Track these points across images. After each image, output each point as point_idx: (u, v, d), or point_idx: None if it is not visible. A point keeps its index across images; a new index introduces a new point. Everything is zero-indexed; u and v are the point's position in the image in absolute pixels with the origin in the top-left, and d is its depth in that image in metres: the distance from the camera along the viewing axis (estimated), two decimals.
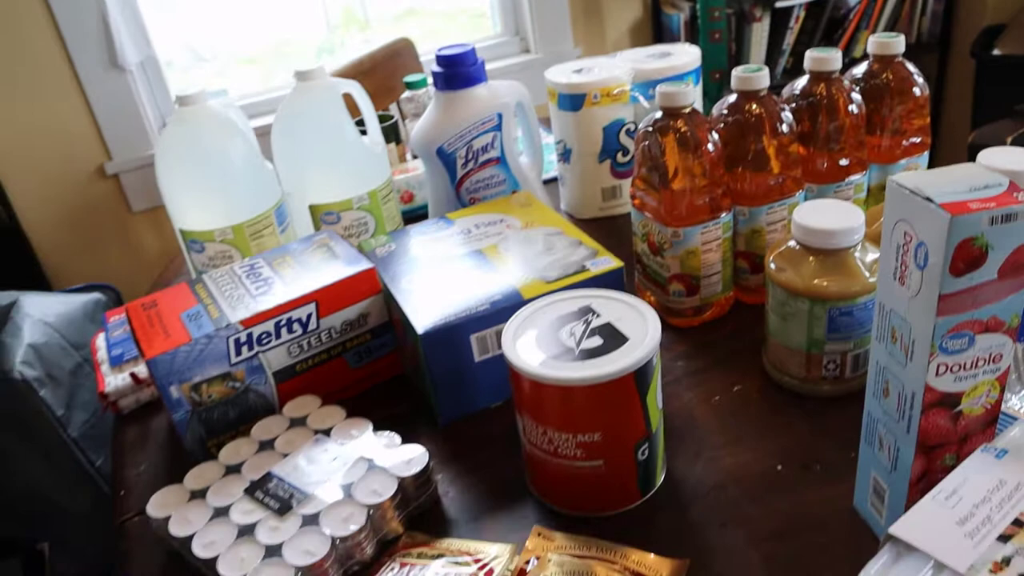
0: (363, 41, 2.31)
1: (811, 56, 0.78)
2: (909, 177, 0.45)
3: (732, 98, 0.76)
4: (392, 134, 1.16)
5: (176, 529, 0.59)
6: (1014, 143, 1.29)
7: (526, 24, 2.28)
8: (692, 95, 0.71)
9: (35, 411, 0.94)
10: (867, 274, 0.63)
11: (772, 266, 0.66)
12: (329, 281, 0.72)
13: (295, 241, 0.80)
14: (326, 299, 0.71)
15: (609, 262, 0.71)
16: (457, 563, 0.55)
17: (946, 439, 0.48)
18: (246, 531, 0.58)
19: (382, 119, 1.13)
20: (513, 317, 0.60)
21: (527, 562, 0.54)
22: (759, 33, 2.31)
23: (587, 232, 0.76)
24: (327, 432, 0.66)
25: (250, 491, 0.61)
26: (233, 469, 0.64)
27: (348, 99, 0.92)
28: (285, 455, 0.64)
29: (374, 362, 0.76)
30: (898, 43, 0.80)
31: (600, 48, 2.38)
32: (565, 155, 0.99)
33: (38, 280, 1.79)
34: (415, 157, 1.16)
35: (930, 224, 0.43)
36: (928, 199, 0.43)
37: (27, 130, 1.84)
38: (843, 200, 0.74)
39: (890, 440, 0.51)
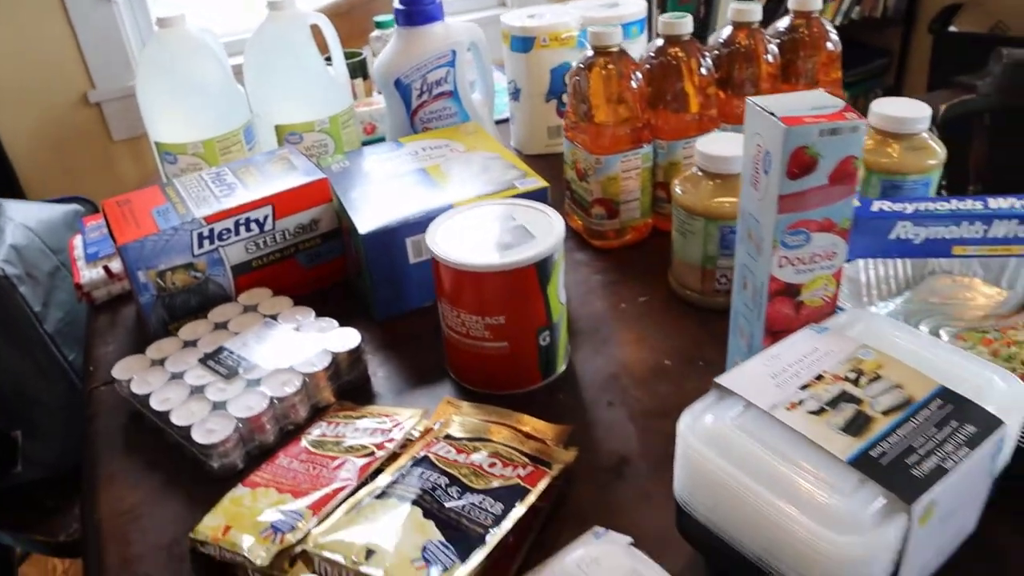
0: None
1: (733, 7, 0.86)
2: (764, 99, 0.54)
3: (659, 42, 0.84)
4: (360, 70, 1.23)
5: (137, 388, 0.68)
6: (947, 110, 1.38)
7: None
8: (618, 36, 0.79)
9: (14, 307, 1.02)
10: None
11: (677, 190, 0.75)
12: (285, 187, 0.80)
13: (259, 154, 0.88)
14: (281, 203, 0.79)
15: (536, 182, 0.79)
16: (376, 423, 0.64)
17: (789, 325, 0.57)
18: (197, 391, 0.67)
19: (351, 55, 1.20)
20: (441, 216, 0.68)
21: (435, 423, 0.63)
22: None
23: (532, 166, 0.83)
24: (275, 317, 0.75)
25: (203, 360, 0.70)
26: (190, 344, 0.73)
27: (319, 35, 0.99)
28: (236, 334, 0.73)
29: (323, 265, 0.84)
30: (815, 0, 0.88)
31: None
32: (515, 94, 1.07)
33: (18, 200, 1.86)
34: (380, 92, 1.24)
35: (773, 134, 0.51)
36: (772, 114, 0.51)
37: (13, 56, 1.89)
38: None
39: (747, 328, 0.60)
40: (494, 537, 0.50)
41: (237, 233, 0.78)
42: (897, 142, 0.78)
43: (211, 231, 0.77)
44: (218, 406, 0.65)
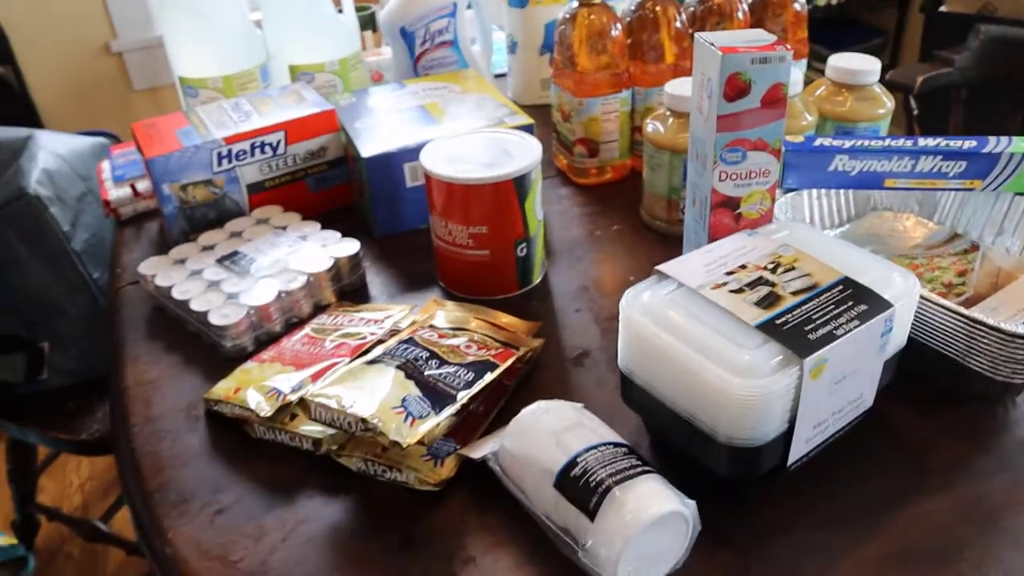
0: None
1: None
2: (709, 34, 0.62)
3: None
4: (371, 22, 1.32)
5: (160, 282, 0.77)
6: (923, 83, 1.45)
7: None
8: None
9: (45, 225, 1.11)
10: None
11: (648, 127, 0.83)
12: (296, 116, 0.89)
13: (273, 88, 0.97)
14: (293, 129, 0.88)
15: (523, 119, 0.88)
16: (371, 315, 0.73)
17: (729, 235, 0.66)
18: (214, 285, 0.76)
19: (362, 9, 1.29)
20: (435, 139, 0.77)
21: (422, 316, 0.72)
22: None
23: (526, 114, 0.91)
24: (284, 228, 0.84)
25: (220, 261, 0.79)
26: (208, 248, 0.82)
27: None
28: (250, 240, 0.82)
29: (329, 189, 0.93)
30: None
31: None
32: (512, 47, 1.15)
33: None
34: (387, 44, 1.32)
35: (713, 63, 0.60)
36: (712, 44, 0.60)
37: (39, 5, 1.97)
38: None
39: (695, 238, 0.69)
40: (464, 396, 0.59)
41: (252, 155, 0.87)
42: (850, 92, 0.86)
43: (229, 151, 0.86)
44: (232, 297, 0.74)
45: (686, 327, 0.53)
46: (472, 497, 0.57)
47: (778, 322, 0.52)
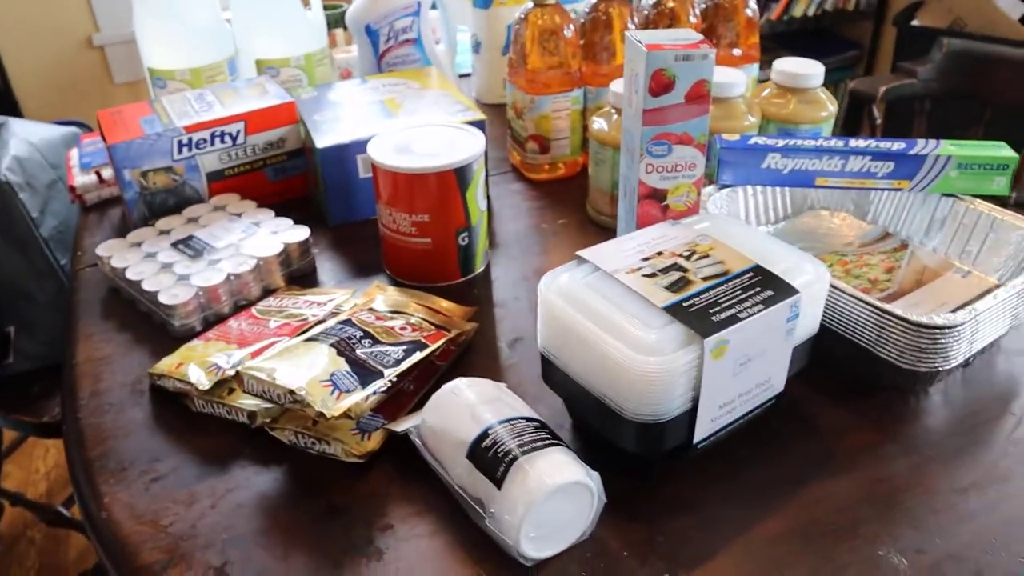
0: None
1: None
2: (639, 32, 0.65)
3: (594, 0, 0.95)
4: (341, 21, 1.34)
5: (116, 263, 0.79)
6: (886, 92, 1.49)
7: None
8: None
9: (14, 211, 1.13)
10: None
11: (593, 124, 0.86)
12: (257, 107, 0.91)
13: (238, 80, 0.99)
14: (253, 120, 0.91)
15: (475, 115, 0.90)
16: (314, 298, 0.75)
17: None
18: (167, 267, 0.78)
19: (333, 7, 1.32)
20: (382, 132, 0.80)
21: (364, 300, 0.74)
22: None
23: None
24: (239, 215, 0.86)
25: (175, 244, 0.81)
26: (165, 232, 0.84)
27: None
28: (205, 226, 0.84)
29: (287, 179, 0.96)
30: None
31: None
32: (476, 47, 1.18)
33: None
34: None
35: (640, 59, 0.62)
36: (640, 42, 0.62)
37: None
38: None
39: (625, 229, 0.71)
40: (391, 373, 0.62)
41: (212, 144, 0.90)
42: (793, 95, 0.89)
43: (190, 139, 0.88)
44: (183, 278, 0.76)
45: (598, 308, 0.55)
46: (396, 469, 0.60)
47: (685, 304, 0.54)
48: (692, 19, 0.96)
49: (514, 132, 0.98)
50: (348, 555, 0.53)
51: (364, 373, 0.61)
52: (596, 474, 0.53)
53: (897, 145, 0.75)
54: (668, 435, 0.55)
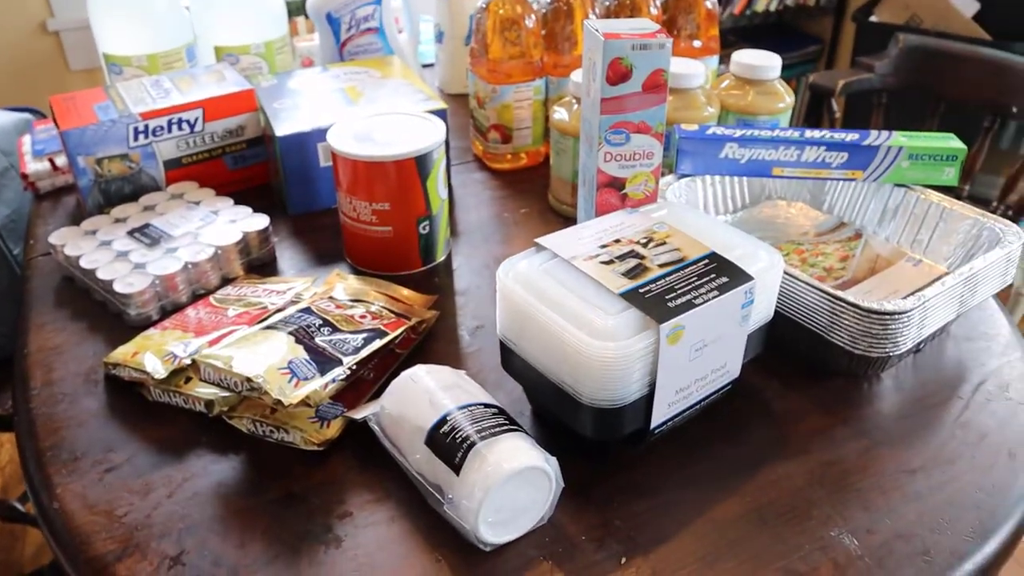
0: None
1: None
2: (598, 22, 0.65)
3: None
4: (303, 9, 1.33)
5: (69, 252, 0.78)
6: (844, 87, 1.51)
7: None
8: None
9: None
10: None
11: (554, 114, 0.86)
12: (215, 94, 0.90)
13: (196, 67, 0.98)
14: (211, 107, 0.90)
15: (436, 104, 0.90)
16: (274, 287, 0.75)
17: None
18: (122, 255, 0.77)
19: None
20: (343, 120, 0.79)
21: (323, 288, 0.74)
22: None
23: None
24: (198, 203, 0.85)
25: (131, 232, 0.80)
26: (121, 220, 0.83)
27: None
28: (162, 214, 0.83)
29: (247, 168, 0.95)
30: None
31: None
32: (439, 37, 1.18)
33: None
34: None
35: (598, 48, 0.63)
36: (597, 31, 0.63)
37: None
38: None
39: (585, 217, 0.72)
40: (350, 361, 0.61)
41: (169, 131, 0.88)
42: (751, 87, 0.90)
43: (146, 126, 0.87)
44: (139, 266, 0.75)
45: (555, 295, 0.55)
46: (355, 457, 0.60)
47: (641, 291, 0.55)
48: (653, 11, 0.97)
49: (476, 122, 0.98)
50: (306, 543, 0.53)
51: (323, 361, 0.61)
52: (554, 459, 0.53)
53: (851, 136, 0.76)
54: (625, 420, 0.55)
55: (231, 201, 0.85)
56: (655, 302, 0.54)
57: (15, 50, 2.03)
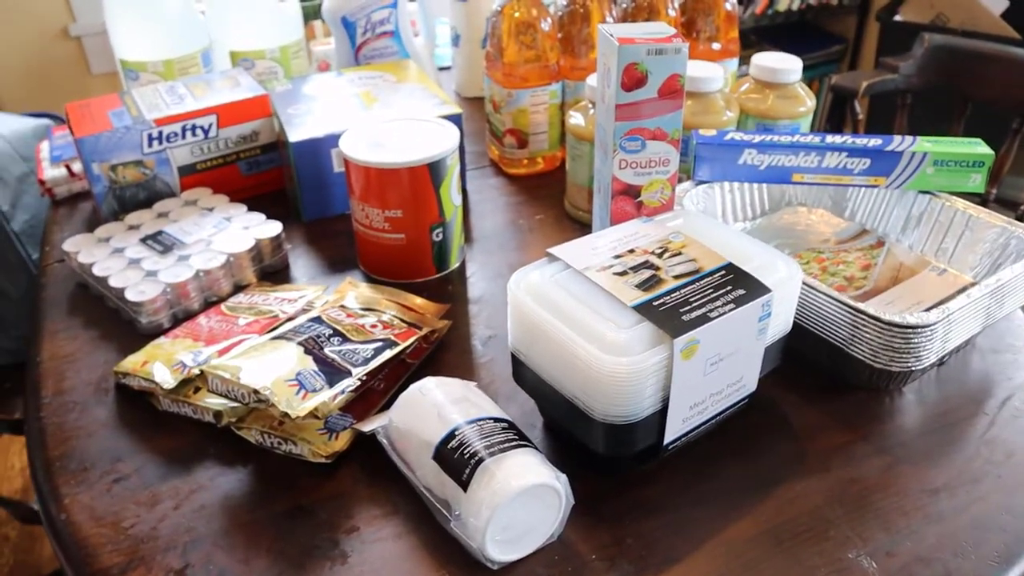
0: None
1: None
2: (612, 26, 0.64)
3: None
4: (319, 13, 1.32)
5: (83, 259, 0.78)
6: (867, 88, 1.48)
7: None
8: None
9: None
10: None
11: (570, 118, 0.85)
12: (230, 100, 0.90)
13: (211, 73, 0.98)
14: (225, 113, 0.89)
15: (452, 109, 0.89)
16: (285, 295, 0.74)
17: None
18: (135, 263, 0.77)
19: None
20: (354, 125, 0.78)
21: (335, 297, 0.73)
22: None
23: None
24: (211, 209, 0.85)
25: (144, 240, 0.80)
26: (134, 227, 0.83)
27: None
28: (176, 221, 0.83)
29: (261, 174, 0.94)
30: None
31: None
32: (455, 40, 1.17)
33: None
34: None
35: (612, 53, 0.61)
36: (612, 35, 0.61)
37: None
38: None
39: (600, 225, 0.70)
40: (360, 372, 0.61)
41: (184, 137, 0.88)
42: (771, 91, 0.88)
43: (160, 133, 0.87)
44: (151, 274, 0.75)
45: (567, 307, 0.54)
46: (364, 469, 0.59)
47: (655, 304, 0.53)
48: (671, 13, 0.96)
49: (492, 126, 0.97)
50: (311, 558, 0.53)
51: (332, 372, 0.60)
52: (564, 476, 0.52)
53: (873, 142, 0.75)
54: (638, 436, 0.54)
55: (244, 208, 0.85)
56: (669, 315, 0.52)
57: (38, 55, 2.05)
